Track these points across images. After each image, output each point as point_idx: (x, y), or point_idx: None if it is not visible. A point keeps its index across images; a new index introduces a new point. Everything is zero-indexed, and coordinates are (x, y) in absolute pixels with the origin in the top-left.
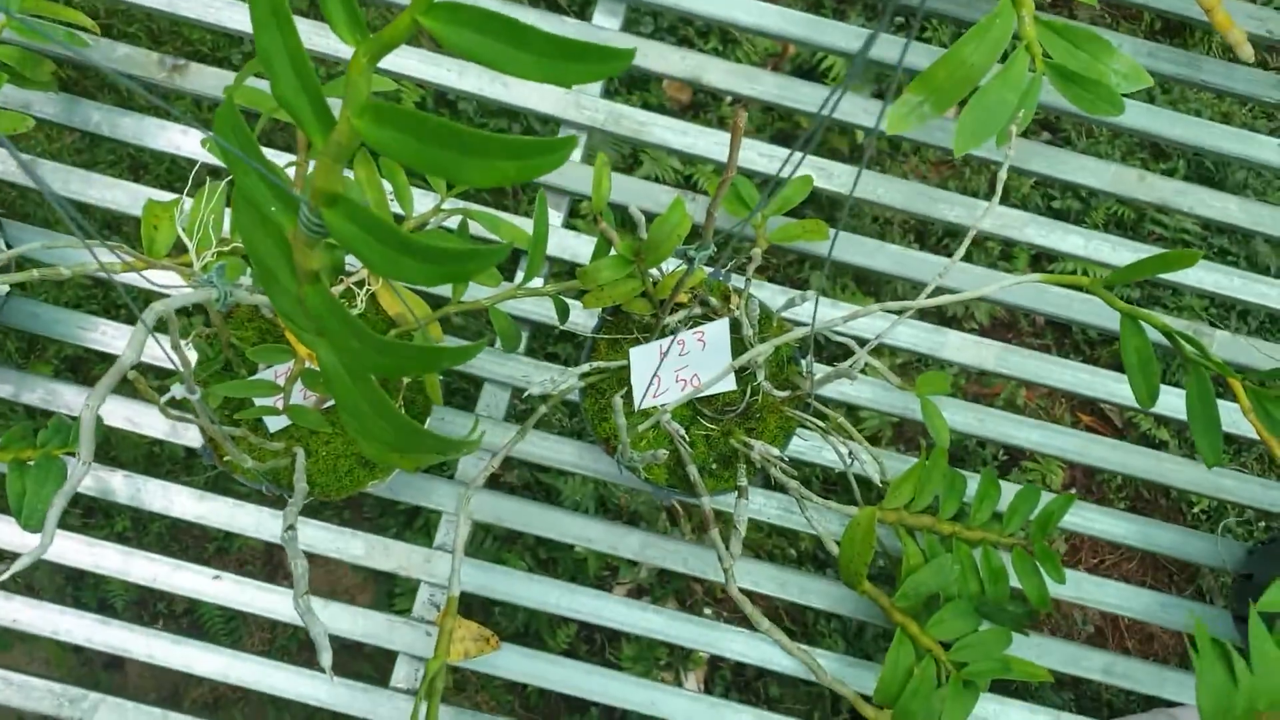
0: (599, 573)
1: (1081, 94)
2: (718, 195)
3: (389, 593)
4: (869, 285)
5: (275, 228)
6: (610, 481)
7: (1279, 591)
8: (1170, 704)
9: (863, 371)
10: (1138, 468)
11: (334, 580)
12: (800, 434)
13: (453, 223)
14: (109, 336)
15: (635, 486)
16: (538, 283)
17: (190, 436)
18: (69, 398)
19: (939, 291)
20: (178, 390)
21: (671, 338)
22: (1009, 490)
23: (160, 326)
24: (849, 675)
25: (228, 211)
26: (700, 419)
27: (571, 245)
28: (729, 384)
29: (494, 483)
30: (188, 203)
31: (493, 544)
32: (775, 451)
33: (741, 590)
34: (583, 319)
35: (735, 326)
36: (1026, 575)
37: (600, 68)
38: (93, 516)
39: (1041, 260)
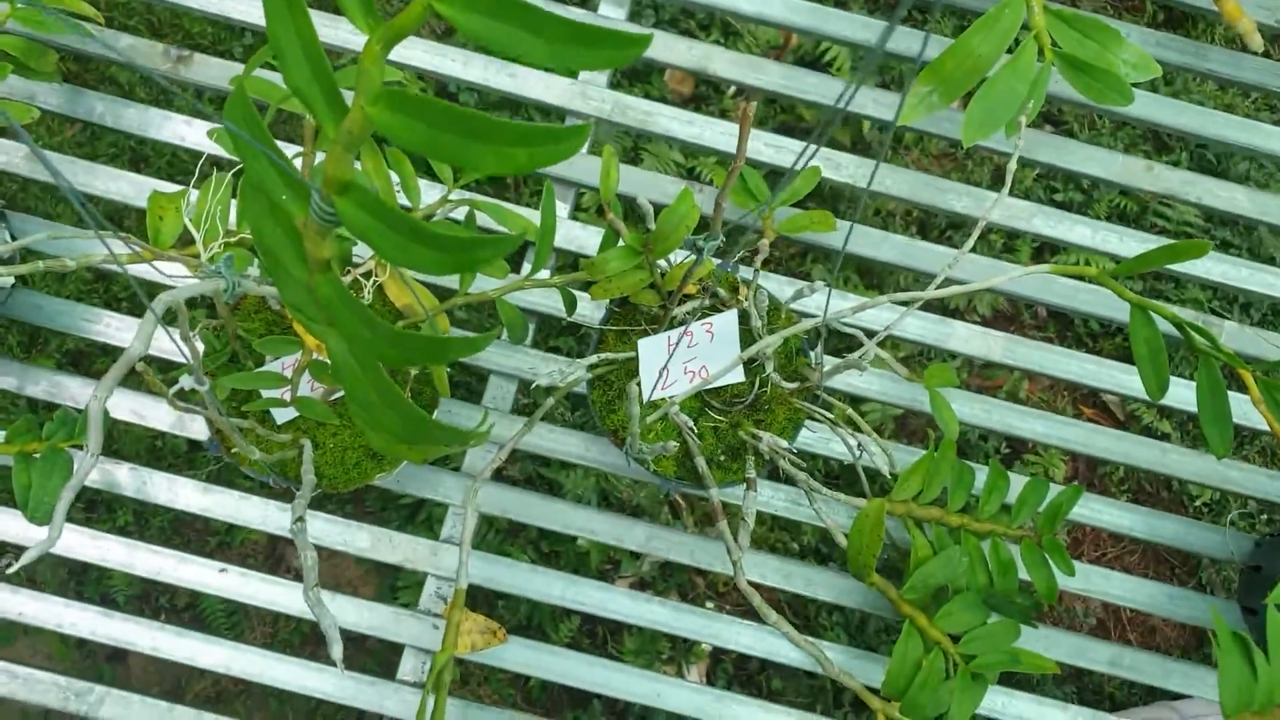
0: (601, 567)
1: (1091, 84)
2: (726, 185)
3: (392, 588)
4: (871, 279)
5: (286, 216)
6: (613, 476)
7: None
8: (1176, 696)
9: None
10: (1143, 459)
11: (336, 574)
12: (807, 426)
13: (459, 215)
14: (113, 329)
15: (642, 479)
16: (545, 274)
17: (196, 429)
18: (74, 390)
19: (947, 283)
20: (186, 381)
21: (680, 329)
22: (1017, 483)
23: (167, 319)
24: (854, 668)
25: (234, 204)
26: (709, 411)
27: (578, 237)
28: (737, 376)
29: (498, 477)
30: (193, 195)
31: (495, 538)
32: (784, 443)
33: (748, 583)
34: (589, 311)
35: (744, 318)
36: (1035, 567)
37: (616, 53)
38: (95, 511)
39: (1044, 254)
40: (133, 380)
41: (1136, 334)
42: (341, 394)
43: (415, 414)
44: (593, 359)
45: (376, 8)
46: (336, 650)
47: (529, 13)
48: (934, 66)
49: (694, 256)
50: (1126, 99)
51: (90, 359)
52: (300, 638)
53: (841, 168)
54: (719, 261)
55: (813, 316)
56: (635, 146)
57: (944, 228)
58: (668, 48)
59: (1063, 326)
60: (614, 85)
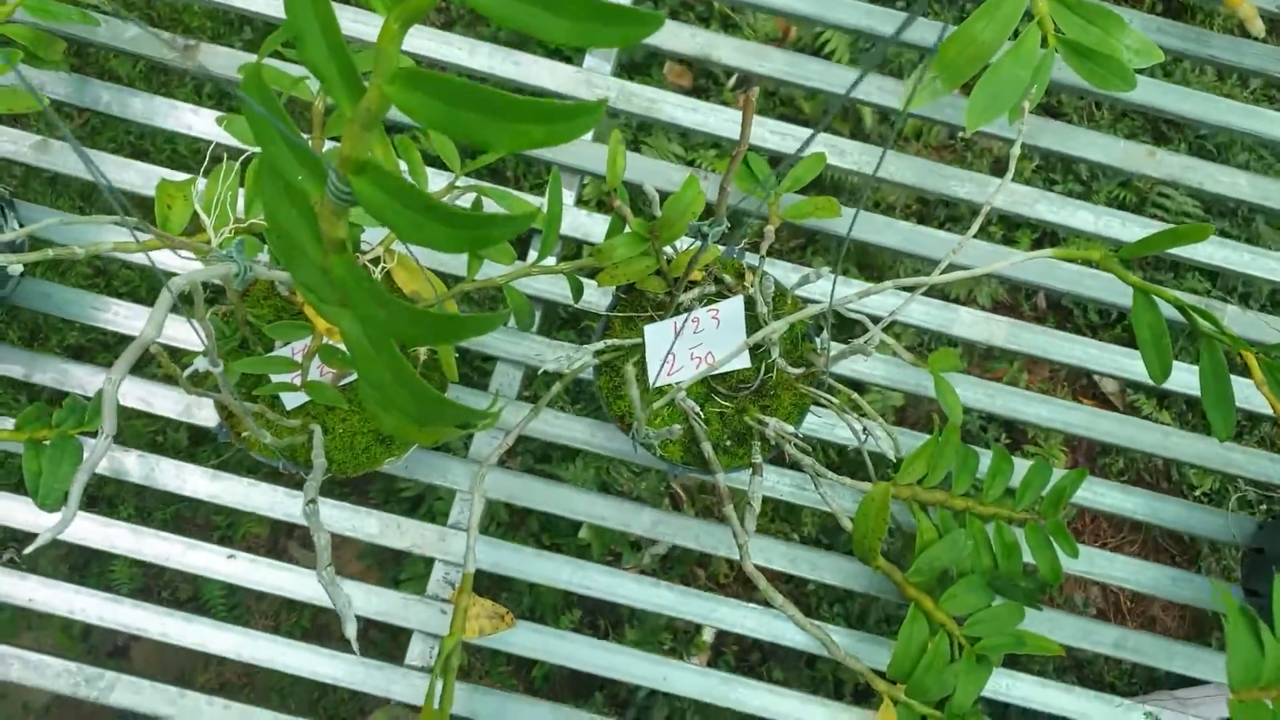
0: (603, 558)
1: (1094, 69)
2: (730, 170)
3: (395, 580)
4: (871, 272)
5: (301, 196)
6: (614, 469)
7: None
8: (1181, 678)
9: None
10: (1145, 442)
11: (340, 563)
12: (812, 411)
13: (465, 202)
14: (121, 316)
15: (648, 464)
16: (551, 261)
17: (203, 416)
18: (82, 378)
19: (952, 268)
20: (200, 363)
21: (686, 315)
22: (1020, 468)
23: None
24: (858, 651)
25: (242, 191)
26: (715, 396)
27: (583, 224)
28: (743, 361)
29: (500, 465)
30: (201, 183)
31: (497, 531)
32: (790, 428)
33: (754, 566)
34: (595, 298)
35: (749, 304)
36: (1040, 549)
37: (633, 30)
38: (96, 506)
39: (1045, 243)
40: (141, 368)
41: (1139, 318)
42: (351, 379)
43: (429, 393)
44: (600, 345)
45: None
46: (350, 628)
47: None
48: (937, 53)
49: (699, 243)
50: (1129, 84)
51: (91, 354)
52: (302, 630)
53: (845, 154)
54: (724, 248)
55: (818, 303)
56: (635, 140)
57: (943, 220)
58: (672, 35)
59: (1062, 318)
60: (616, 77)
